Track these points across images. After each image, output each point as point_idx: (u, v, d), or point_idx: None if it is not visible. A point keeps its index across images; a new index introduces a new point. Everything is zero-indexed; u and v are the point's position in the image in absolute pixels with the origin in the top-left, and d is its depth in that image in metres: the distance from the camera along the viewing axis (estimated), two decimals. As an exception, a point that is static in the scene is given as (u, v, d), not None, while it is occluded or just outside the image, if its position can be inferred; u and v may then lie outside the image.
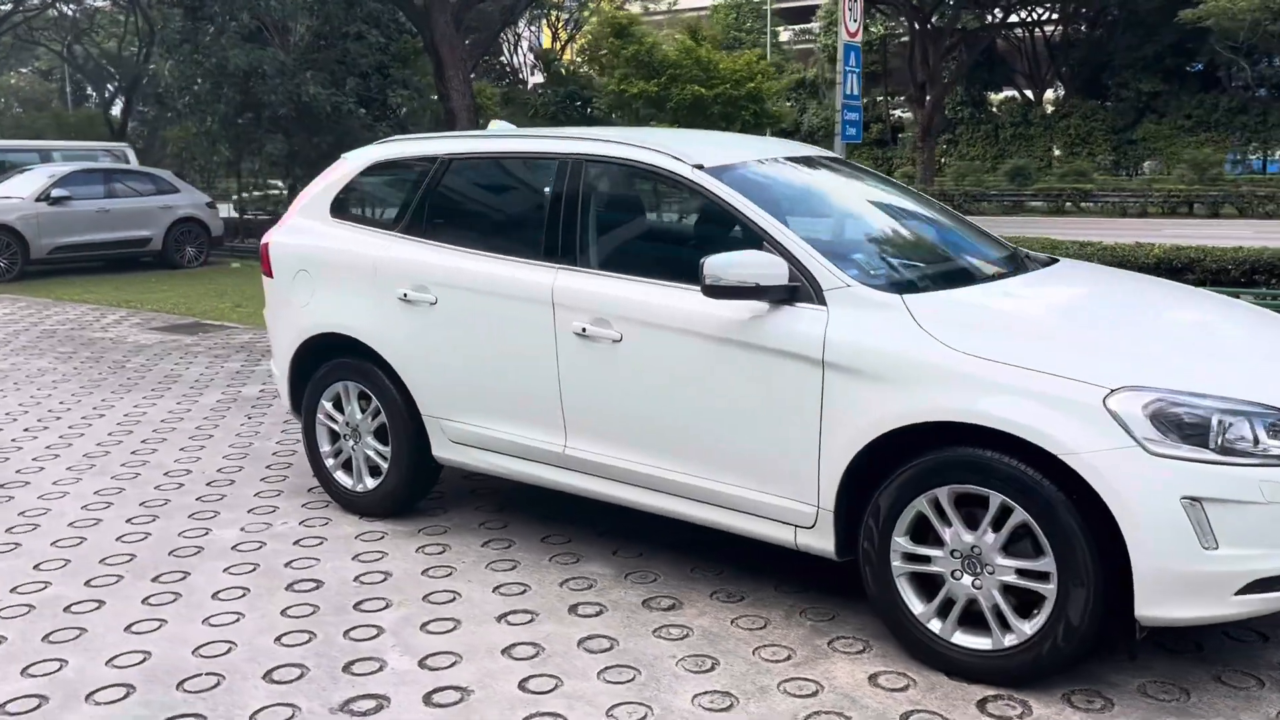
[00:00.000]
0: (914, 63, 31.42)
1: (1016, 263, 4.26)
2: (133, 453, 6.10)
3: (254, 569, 4.38)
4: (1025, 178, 34.20)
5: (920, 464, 3.34)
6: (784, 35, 51.40)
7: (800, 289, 3.60)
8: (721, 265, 3.55)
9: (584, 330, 4.04)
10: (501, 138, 4.73)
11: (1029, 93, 45.27)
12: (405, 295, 4.59)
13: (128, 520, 4.98)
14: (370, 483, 4.92)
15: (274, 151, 18.65)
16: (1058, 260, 4.34)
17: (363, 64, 20.13)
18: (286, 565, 4.42)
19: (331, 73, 19.80)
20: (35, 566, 4.43)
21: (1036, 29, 43.44)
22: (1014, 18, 42.05)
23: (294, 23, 20.69)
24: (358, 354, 4.85)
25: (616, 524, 4.74)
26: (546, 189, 4.35)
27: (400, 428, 4.73)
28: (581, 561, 4.40)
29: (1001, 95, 46.43)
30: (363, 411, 4.90)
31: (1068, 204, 31.43)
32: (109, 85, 41.39)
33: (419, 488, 4.92)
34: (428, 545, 4.61)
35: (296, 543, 4.67)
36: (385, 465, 4.85)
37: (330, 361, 4.96)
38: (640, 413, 3.97)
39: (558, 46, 51.18)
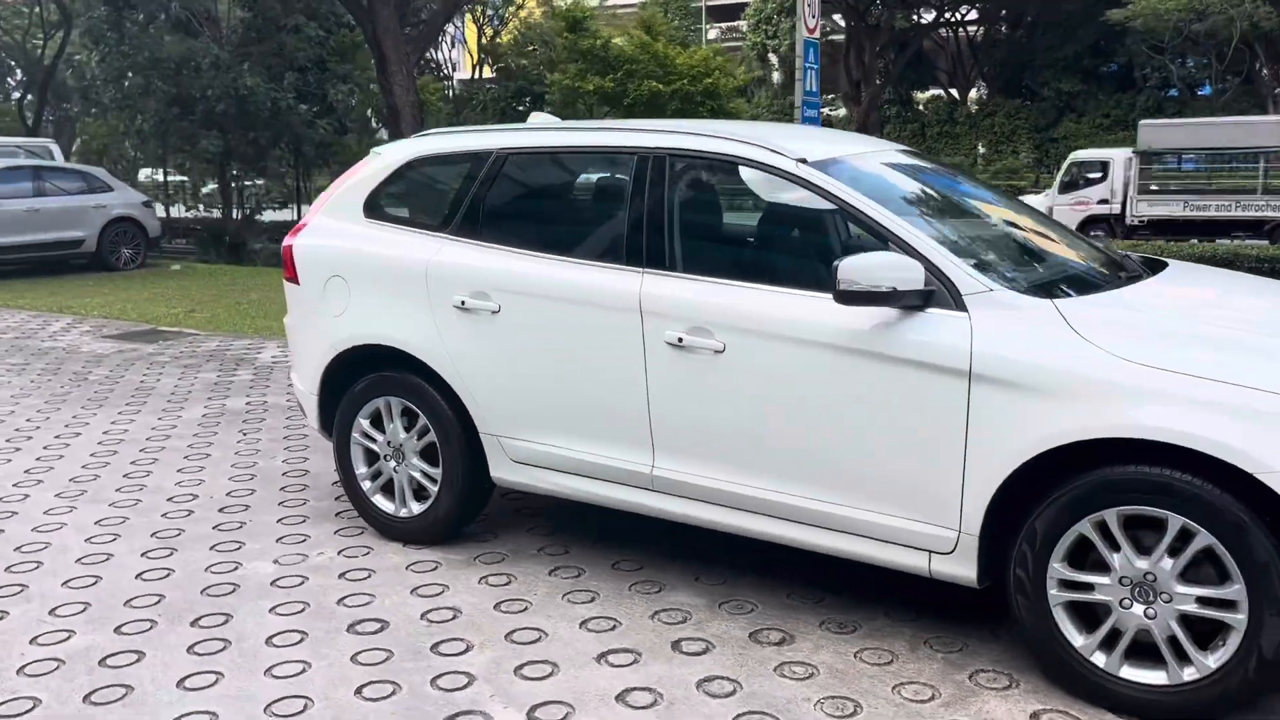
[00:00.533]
0: (849, 61, 31.52)
1: (1128, 266, 4.03)
2: (125, 476, 5.57)
3: (304, 608, 3.95)
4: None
5: (1086, 483, 3.07)
6: (710, 34, 51.34)
7: (935, 294, 3.31)
8: (858, 268, 3.24)
9: (680, 340, 3.70)
10: (567, 131, 4.36)
11: (954, 91, 45.88)
12: (463, 303, 4.20)
13: (142, 554, 4.49)
14: (416, 508, 4.51)
15: (209, 148, 17.85)
16: (1167, 262, 4.12)
17: (300, 58, 19.45)
18: (339, 603, 4.00)
19: (268, 67, 19.09)
20: (51, 612, 3.94)
21: (960, 29, 44.05)
22: (933, 16, 42.64)
23: (224, 13, 19.90)
24: (402, 367, 4.44)
25: (687, 547, 4.40)
26: (625, 186, 3.99)
27: (453, 447, 4.33)
28: (665, 590, 4.06)
29: (927, 94, 46.99)
30: (407, 430, 4.48)
31: (1001, 201, 31.75)
32: (8, 79, 39.48)
33: (470, 512, 4.52)
34: (489, 576, 4.23)
35: (342, 576, 4.25)
36: (434, 488, 4.44)
37: (369, 376, 4.53)
38: (746, 430, 3.64)
39: (484, 41, 50.39)
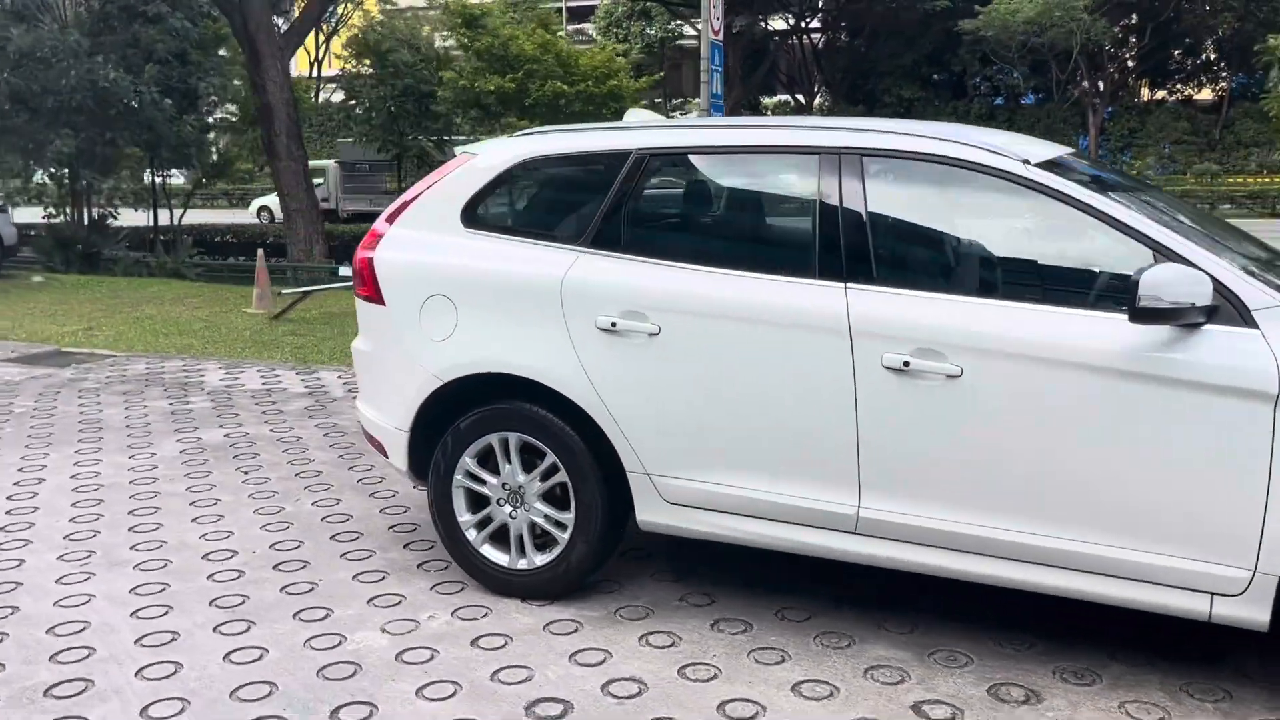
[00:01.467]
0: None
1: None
2: (131, 530, 4.74)
3: (456, 689, 3.34)
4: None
5: None
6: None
7: (1219, 309, 3.01)
8: (1162, 284, 2.90)
9: (906, 364, 3.28)
10: (726, 128, 3.89)
11: (800, 97, 46.89)
12: (612, 325, 3.66)
13: (215, 630, 3.76)
14: (539, 559, 3.93)
15: (64, 150, 16.24)
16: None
17: (160, 50, 17.97)
18: (494, 679, 3.40)
19: (124, 58, 17.57)
20: (143, 713, 3.20)
21: (804, 37, 45.07)
22: (783, 24, 43.58)
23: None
24: (521, 397, 3.86)
25: (842, 586, 3.99)
26: (810, 190, 3.54)
27: (591, 489, 3.79)
28: (858, 643, 3.62)
29: (775, 99, 47.89)
30: (527, 470, 3.91)
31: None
32: None
33: (602, 561, 3.98)
34: (649, 635, 3.70)
35: (474, 644, 3.64)
36: (563, 535, 3.88)
37: (479, 409, 3.93)
38: (986, 463, 3.25)
39: (321, 39, 48.36)
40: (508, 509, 3.96)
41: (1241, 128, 38.25)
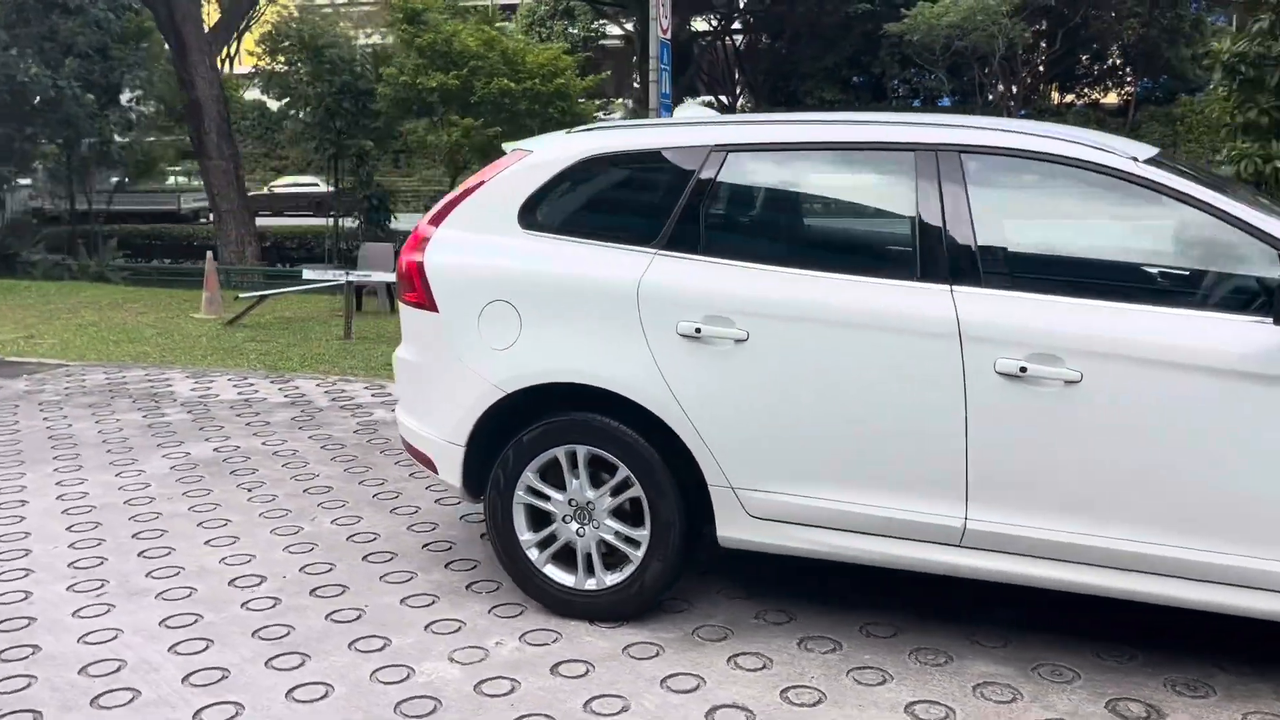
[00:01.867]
0: (644, 67, 31.49)
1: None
2: (141, 555, 4.39)
3: (552, 725, 3.12)
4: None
5: None
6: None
7: (1348, 311, 2.94)
8: (1316, 285, 2.82)
9: (1022, 369, 3.15)
10: (810, 123, 3.71)
11: (723, 98, 47.10)
12: (696, 330, 3.46)
13: (267, 664, 3.47)
14: (610, 579, 3.71)
15: (-16, 145, 15.44)
16: None
17: (80, 43, 17.19)
18: (588, 709, 3.19)
19: (41, 51, 16.77)
20: (215, 763, 2.91)
21: (726, 38, 45.33)
22: (704, 26, 43.78)
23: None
24: (589, 408, 3.65)
25: (917, 599, 3.86)
26: (905, 188, 3.40)
27: (670, 504, 3.59)
28: (956, 660, 3.49)
29: (699, 100, 47.98)
30: (596, 485, 3.69)
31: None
32: None
33: (676, 579, 3.77)
34: (736, 657, 3.51)
35: (555, 672, 3.41)
36: (637, 554, 3.67)
37: (544, 420, 3.70)
38: (1111, 473, 3.13)
39: (234, 35, 47.07)
40: (574, 526, 3.74)
41: (1147, 130, 39.45)
